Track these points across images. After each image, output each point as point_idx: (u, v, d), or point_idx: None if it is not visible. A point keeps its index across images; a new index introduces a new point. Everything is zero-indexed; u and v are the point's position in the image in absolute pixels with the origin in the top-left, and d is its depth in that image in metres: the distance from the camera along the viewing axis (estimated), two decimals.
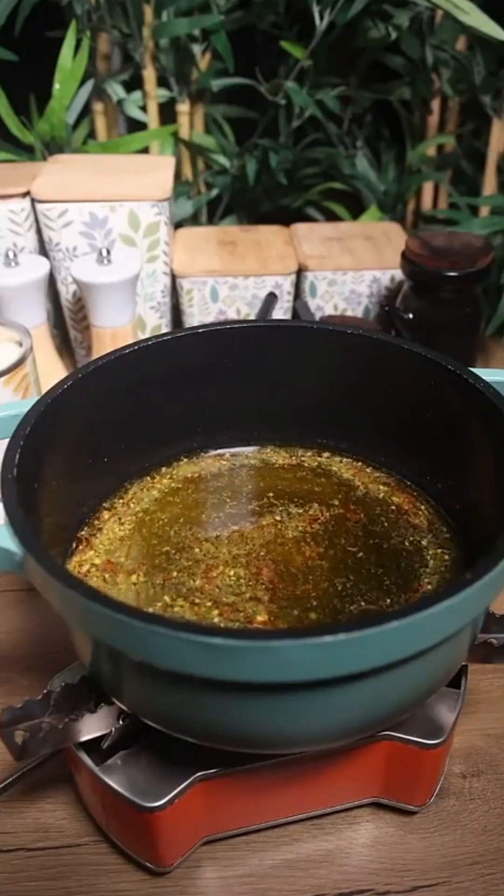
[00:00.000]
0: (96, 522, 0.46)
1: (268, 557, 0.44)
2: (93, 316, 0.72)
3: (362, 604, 0.41)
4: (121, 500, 0.48)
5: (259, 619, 0.40)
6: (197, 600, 0.41)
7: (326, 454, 0.52)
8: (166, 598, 0.42)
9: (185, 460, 0.51)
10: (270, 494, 0.49)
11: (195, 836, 0.41)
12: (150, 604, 0.41)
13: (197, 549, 0.45)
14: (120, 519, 0.47)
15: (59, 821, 0.44)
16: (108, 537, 0.46)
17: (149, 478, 0.50)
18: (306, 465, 0.51)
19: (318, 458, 0.52)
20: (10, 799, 0.45)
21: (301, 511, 0.48)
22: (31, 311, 0.71)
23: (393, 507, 0.48)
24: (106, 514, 0.47)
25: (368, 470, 0.51)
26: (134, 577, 0.43)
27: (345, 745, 0.39)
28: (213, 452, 0.52)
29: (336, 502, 0.48)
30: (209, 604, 0.41)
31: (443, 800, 0.45)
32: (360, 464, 0.51)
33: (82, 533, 0.46)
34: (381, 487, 0.49)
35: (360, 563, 0.44)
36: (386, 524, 0.47)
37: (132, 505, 0.48)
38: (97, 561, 0.44)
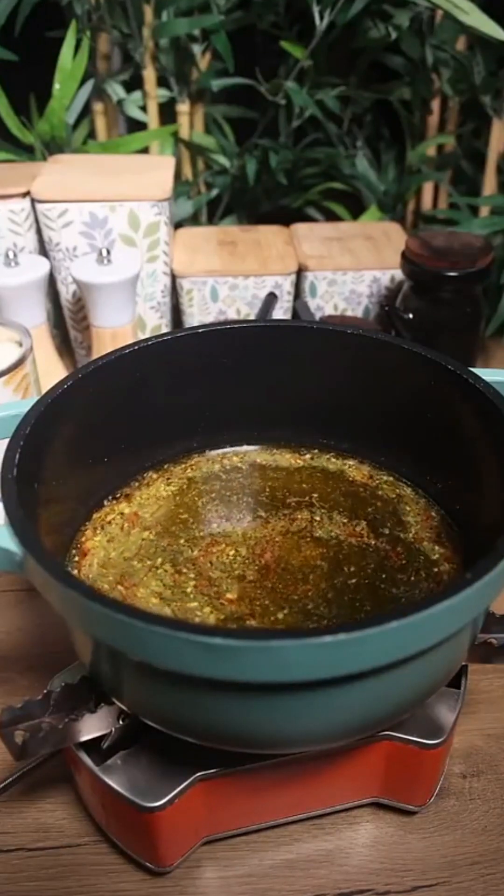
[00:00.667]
0: (144, 480, 0.49)
1: (269, 549, 0.44)
2: (93, 316, 0.72)
3: (365, 606, 0.41)
4: (174, 466, 0.51)
5: (228, 595, 0.41)
6: (184, 569, 0.43)
7: (326, 454, 0.52)
8: (159, 559, 0.44)
9: (185, 460, 0.51)
10: (270, 494, 0.49)
11: (195, 836, 0.41)
12: (143, 560, 0.43)
13: (206, 530, 0.46)
14: (168, 480, 0.50)
15: (59, 821, 0.44)
16: (150, 494, 0.49)
17: (148, 478, 0.50)
18: (306, 464, 0.51)
19: (318, 458, 0.52)
20: (10, 799, 0.45)
21: (303, 511, 0.48)
22: (31, 311, 0.71)
23: (393, 507, 0.48)
24: (154, 475, 0.50)
25: (369, 470, 0.51)
26: (146, 534, 0.45)
27: (345, 745, 0.39)
28: (212, 452, 0.52)
29: (336, 502, 0.48)
30: (192, 575, 0.43)
31: (443, 800, 0.45)
32: (360, 463, 0.51)
33: (126, 489, 0.49)
34: (381, 487, 0.49)
35: (356, 560, 0.44)
36: (385, 524, 0.47)
37: (182, 472, 0.50)
38: (126, 511, 0.47)
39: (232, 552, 0.45)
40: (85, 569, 0.44)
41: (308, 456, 0.52)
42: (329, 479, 0.50)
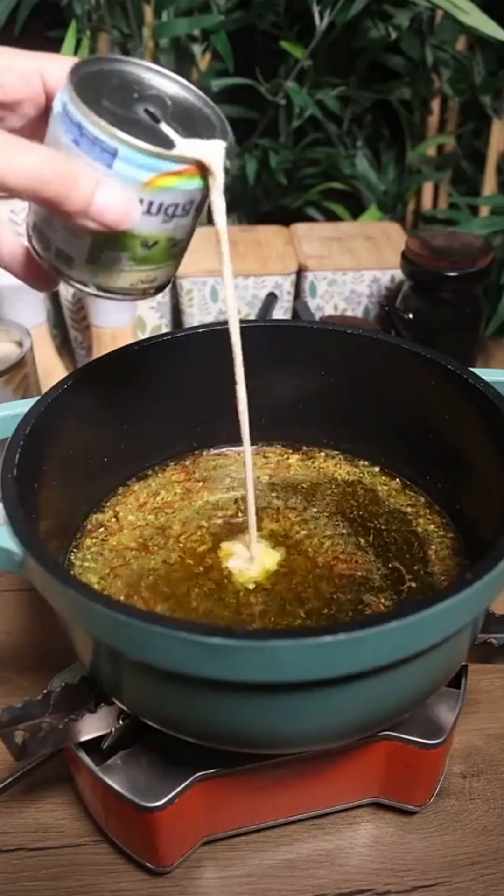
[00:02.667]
0: (144, 479, 0.50)
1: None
2: (93, 316, 0.72)
3: (367, 606, 0.41)
4: (174, 465, 0.51)
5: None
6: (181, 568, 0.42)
7: (326, 453, 0.52)
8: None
9: (185, 460, 0.51)
10: (269, 493, 0.49)
11: (195, 836, 0.41)
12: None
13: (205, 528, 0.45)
14: (167, 479, 0.50)
15: (59, 821, 0.44)
16: (149, 493, 0.49)
17: (148, 476, 0.50)
18: (305, 464, 0.51)
19: (318, 458, 0.52)
20: (10, 799, 0.45)
21: (303, 509, 0.48)
22: (31, 311, 0.71)
23: (392, 507, 0.48)
24: (154, 475, 0.50)
25: (369, 469, 0.51)
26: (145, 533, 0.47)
27: (345, 746, 0.39)
28: (212, 452, 0.52)
29: (336, 501, 0.48)
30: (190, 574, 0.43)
31: (443, 800, 0.45)
32: (360, 463, 0.51)
33: (125, 489, 0.49)
34: (381, 487, 0.49)
35: (358, 561, 0.44)
36: (385, 523, 0.47)
37: (182, 472, 0.51)
38: (125, 510, 0.48)
39: (232, 550, 0.45)
40: (85, 568, 0.44)
41: (308, 456, 0.52)
42: (329, 478, 0.50)
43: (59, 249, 0.35)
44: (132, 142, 0.30)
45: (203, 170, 0.33)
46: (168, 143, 0.32)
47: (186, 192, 0.33)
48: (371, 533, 0.46)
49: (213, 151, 0.33)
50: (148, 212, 0.32)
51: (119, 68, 0.34)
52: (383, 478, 0.50)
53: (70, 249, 0.34)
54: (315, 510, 0.48)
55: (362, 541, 0.46)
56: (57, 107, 0.32)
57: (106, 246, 0.33)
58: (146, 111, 0.33)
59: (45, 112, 0.34)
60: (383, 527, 0.47)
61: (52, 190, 0.30)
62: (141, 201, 0.32)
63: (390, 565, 0.44)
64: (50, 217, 0.34)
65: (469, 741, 0.48)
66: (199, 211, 0.35)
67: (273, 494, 0.49)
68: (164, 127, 0.33)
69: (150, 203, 0.32)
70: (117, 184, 0.31)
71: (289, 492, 0.49)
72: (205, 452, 0.52)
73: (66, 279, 0.36)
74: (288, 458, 0.52)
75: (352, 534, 0.46)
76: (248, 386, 0.50)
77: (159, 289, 0.37)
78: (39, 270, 0.37)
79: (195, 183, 0.33)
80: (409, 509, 0.48)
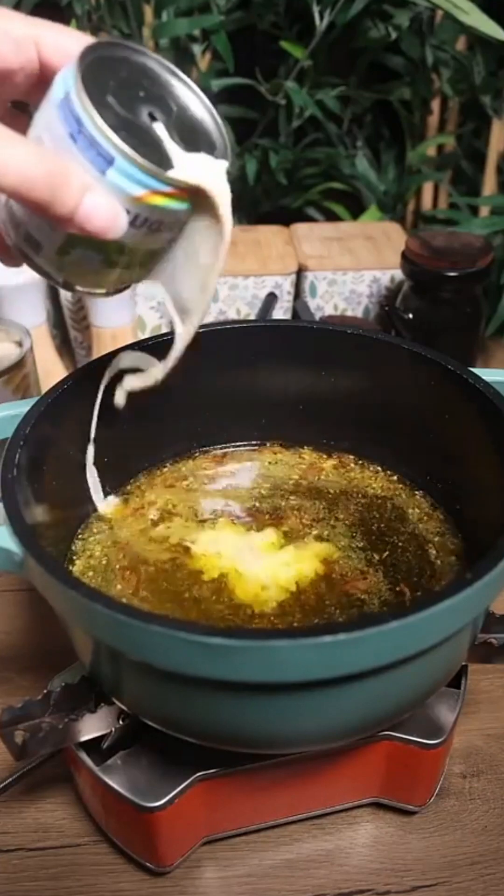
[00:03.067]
0: (144, 479, 0.50)
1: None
2: (93, 316, 0.72)
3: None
4: (173, 465, 0.51)
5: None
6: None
7: (326, 453, 0.52)
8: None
9: (184, 460, 0.51)
10: (269, 492, 0.49)
11: (195, 836, 0.41)
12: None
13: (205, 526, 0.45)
14: (167, 479, 0.51)
15: (59, 821, 0.44)
16: (149, 492, 0.49)
17: (148, 477, 0.50)
18: (305, 463, 0.51)
19: (318, 458, 0.52)
20: (10, 799, 0.45)
21: (302, 508, 0.48)
22: (31, 311, 0.71)
23: (392, 506, 0.48)
24: (154, 474, 0.51)
25: (368, 469, 0.51)
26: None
27: (345, 746, 0.39)
28: (211, 452, 0.52)
29: (335, 500, 0.48)
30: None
31: (443, 800, 0.45)
32: (360, 463, 0.51)
33: (125, 489, 0.50)
34: (382, 487, 0.49)
35: (356, 559, 0.44)
36: (385, 523, 0.47)
37: (181, 472, 0.51)
38: (125, 510, 0.48)
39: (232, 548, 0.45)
40: (85, 568, 0.44)
41: (308, 455, 0.52)
42: (329, 478, 0.50)
43: (28, 234, 0.33)
44: (131, 155, 0.30)
45: (197, 193, 0.32)
46: (166, 159, 0.32)
47: (176, 212, 0.32)
48: (387, 550, 0.45)
49: (213, 176, 0.32)
50: (132, 224, 0.31)
51: (130, 57, 0.33)
52: (382, 476, 0.50)
53: (41, 237, 0.33)
54: (312, 508, 0.48)
55: (376, 557, 0.45)
56: (58, 91, 0.30)
57: (80, 244, 0.32)
58: (150, 115, 0.32)
59: (38, 83, 0.33)
60: (381, 525, 0.46)
61: (38, 192, 0.28)
62: (127, 212, 0.31)
63: (397, 588, 0.43)
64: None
65: (469, 741, 0.48)
66: (183, 226, 0.34)
67: (269, 491, 0.49)
68: (165, 137, 0.32)
69: (137, 216, 0.31)
70: (107, 192, 0.30)
71: (288, 490, 0.49)
72: (205, 452, 0.52)
73: (31, 264, 0.34)
74: (287, 458, 0.52)
75: (367, 548, 0.45)
76: (247, 385, 0.51)
77: (125, 289, 0.37)
78: (3, 246, 0.35)
79: (185, 204, 0.32)
80: (408, 507, 0.48)
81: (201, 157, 0.33)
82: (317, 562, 0.44)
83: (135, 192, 0.30)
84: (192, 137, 0.33)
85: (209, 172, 0.32)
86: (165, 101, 0.33)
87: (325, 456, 0.52)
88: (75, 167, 0.30)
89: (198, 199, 0.32)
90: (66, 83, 0.30)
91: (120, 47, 0.33)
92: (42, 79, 0.32)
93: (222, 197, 0.32)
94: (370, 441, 0.51)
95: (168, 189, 0.31)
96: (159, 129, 0.32)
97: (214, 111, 0.34)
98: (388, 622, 0.28)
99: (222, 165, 0.33)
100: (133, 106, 0.32)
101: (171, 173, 0.31)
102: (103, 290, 0.36)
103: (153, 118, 0.32)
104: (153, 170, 0.30)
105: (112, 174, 0.30)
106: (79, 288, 0.35)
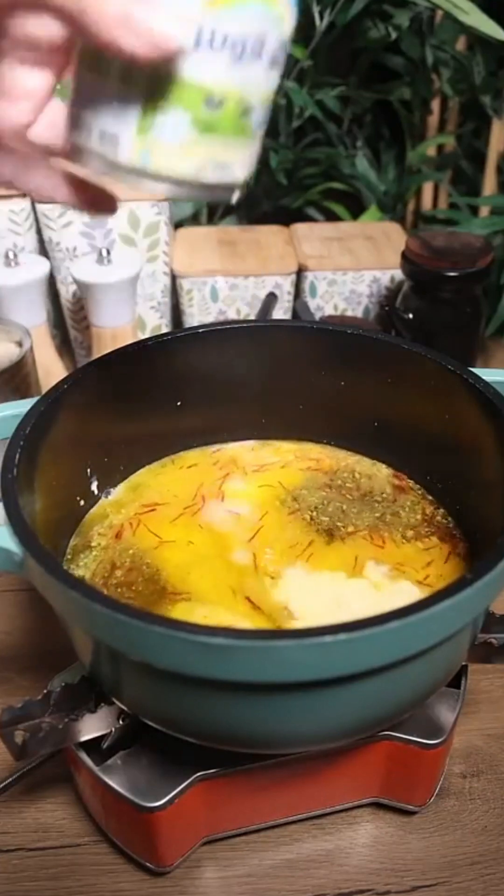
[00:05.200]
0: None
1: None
2: (93, 316, 0.72)
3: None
4: (173, 465, 0.50)
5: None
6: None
7: (325, 453, 0.52)
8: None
9: (184, 459, 0.51)
10: (268, 491, 0.49)
11: (195, 836, 0.41)
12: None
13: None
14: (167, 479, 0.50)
15: (59, 821, 0.44)
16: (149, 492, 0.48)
17: (149, 476, 0.50)
18: (306, 463, 0.51)
19: (318, 457, 0.52)
20: (10, 799, 0.45)
21: (302, 507, 0.48)
22: (31, 311, 0.71)
23: (393, 506, 0.48)
24: (153, 474, 0.50)
25: (368, 469, 0.51)
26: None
27: (345, 746, 0.39)
28: (211, 452, 0.52)
29: (335, 500, 0.48)
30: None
31: (443, 800, 0.45)
32: (360, 462, 0.51)
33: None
34: (381, 486, 0.49)
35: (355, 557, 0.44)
36: (385, 523, 0.47)
37: (181, 471, 0.51)
38: (125, 510, 0.48)
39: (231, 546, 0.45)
40: (85, 568, 0.44)
41: (308, 454, 0.52)
42: (328, 477, 0.50)
43: (102, 131, 0.28)
44: None
45: None
46: None
47: (256, 20, 0.27)
48: (368, 528, 0.46)
49: None
50: (210, 45, 0.26)
51: None
52: (382, 476, 0.50)
53: (116, 126, 0.28)
54: (313, 507, 0.48)
55: (356, 535, 0.45)
56: None
57: (160, 106, 0.27)
58: None
59: None
60: (381, 524, 0.46)
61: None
62: (199, 31, 0.26)
63: (385, 561, 0.43)
64: (93, 88, 0.28)
65: (469, 741, 0.48)
66: (273, 65, 0.29)
67: (268, 491, 0.49)
68: None
69: (213, 33, 0.26)
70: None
71: (287, 489, 0.49)
72: (204, 452, 0.52)
73: (114, 171, 0.29)
74: (286, 457, 0.52)
75: (348, 531, 0.46)
76: (247, 385, 0.51)
77: (231, 188, 0.30)
78: (90, 189, 0.32)
79: (265, 6, 0.27)
80: (408, 507, 0.47)
81: None
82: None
83: None
84: None
85: None
86: None
87: (324, 455, 0.52)
88: None
89: None
90: None
91: None
92: None
93: None
94: (370, 441, 0.51)
95: None
96: None
97: None
98: (389, 622, 0.28)
99: None
100: None
101: None
102: (209, 183, 0.29)
103: None
104: None
105: None
106: (175, 181, 0.29)
